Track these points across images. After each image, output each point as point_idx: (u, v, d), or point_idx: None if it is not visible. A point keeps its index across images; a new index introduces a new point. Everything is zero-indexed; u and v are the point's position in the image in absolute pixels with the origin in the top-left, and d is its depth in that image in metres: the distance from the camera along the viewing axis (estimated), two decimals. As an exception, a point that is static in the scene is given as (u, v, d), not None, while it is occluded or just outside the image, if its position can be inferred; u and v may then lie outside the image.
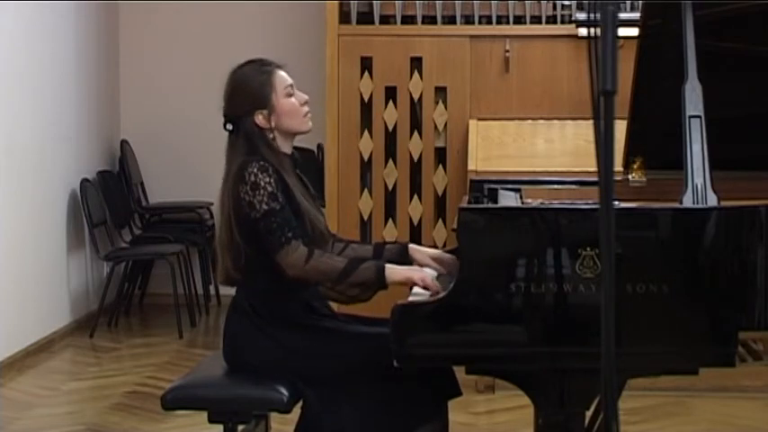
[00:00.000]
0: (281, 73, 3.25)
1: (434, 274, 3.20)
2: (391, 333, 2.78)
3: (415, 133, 5.90)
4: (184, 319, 6.57)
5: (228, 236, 3.13)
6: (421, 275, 3.06)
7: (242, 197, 3.07)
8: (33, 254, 6.04)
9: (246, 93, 3.20)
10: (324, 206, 5.67)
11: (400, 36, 5.91)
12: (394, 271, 3.08)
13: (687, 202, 2.87)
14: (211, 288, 7.27)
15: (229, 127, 3.21)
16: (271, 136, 3.18)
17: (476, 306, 2.76)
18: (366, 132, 5.89)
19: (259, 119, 3.18)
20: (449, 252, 3.45)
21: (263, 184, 3.06)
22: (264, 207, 3.05)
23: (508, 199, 3.58)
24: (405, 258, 3.26)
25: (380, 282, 3.08)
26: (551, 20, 5.86)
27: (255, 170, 3.06)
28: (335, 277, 3.07)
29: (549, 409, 2.86)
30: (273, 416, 3.33)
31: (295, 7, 7.32)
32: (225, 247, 3.15)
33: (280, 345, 3.12)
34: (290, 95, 3.22)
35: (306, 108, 3.24)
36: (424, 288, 3.02)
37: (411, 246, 3.35)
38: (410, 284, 3.08)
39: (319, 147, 6.89)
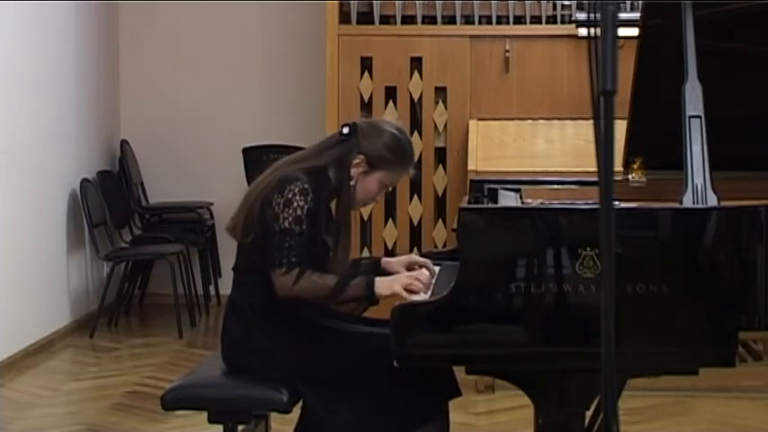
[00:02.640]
0: (405, 174, 3.31)
1: (427, 274, 3.18)
2: (391, 333, 2.78)
3: (415, 133, 5.90)
4: (184, 319, 6.57)
5: (252, 206, 3.13)
6: (406, 283, 3.04)
7: (273, 205, 3.08)
8: (33, 254, 6.04)
9: (380, 145, 3.18)
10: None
11: (400, 36, 5.91)
12: (382, 284, 3.07)
13: (687, 202, 2.87)
14: (211, 288, 7.27)
15: (346, 131, 3.20)
16: (352, 183, 3.18)
17: (476, 306, 2.76)
18: (366, 132, 5.88)
19: (357, 160, 3.18)
20: (448, 252, 3.46)
21: (295, 205, 3.06)
22: (285, 225, 3.06)
23: (508, 199, 3.58)
24: (378, 273, 3.24)
25: (370, 295, 3.08)
26: (551, 20, 5.87)
27: (296, 190, 3.07)
28: (327, 295, 3.07)
29: (549, 409, 2.86)
30: (273, 416, 3.33)
31: (295, 7, 7.32)
32: (247, 206, 3.15)
33: (278, 345, 3.12)
34: (383, 188, 3.25)
35: (370, 202, 3.31)
36: (414, 292, 3.01)
37: (383, 259, 3.37)
38: (399, 296, 3.06)
39: (319, 147, 6.88)
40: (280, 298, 3.08)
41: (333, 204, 3.19)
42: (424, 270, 3.18)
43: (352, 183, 3.18)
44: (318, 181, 3.13)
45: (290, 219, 3.06)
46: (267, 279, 3.11)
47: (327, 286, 3.06)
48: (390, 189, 3.36)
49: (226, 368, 3.23)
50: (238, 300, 3.19)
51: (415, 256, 3.38)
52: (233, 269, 3.25)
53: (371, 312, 3.28)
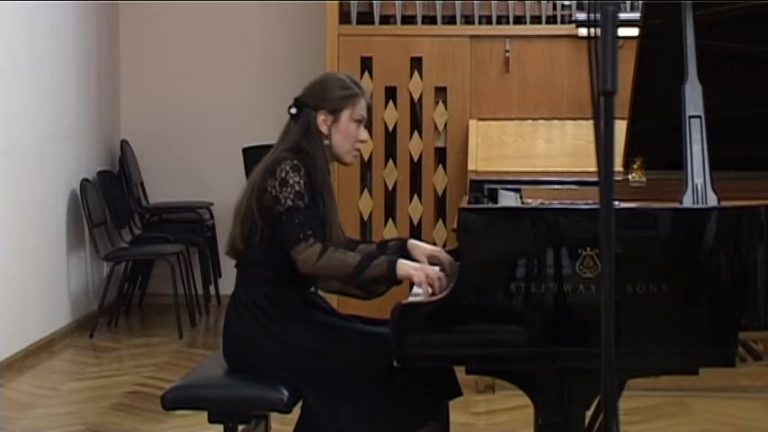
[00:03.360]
0: (364, 102, 3.28)
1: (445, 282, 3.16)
2: (391, 333, 2.78)
3: (415, 133, 5.91)
4: (184, 319, 6.57)
5: (246, 206, 3.16)
6: (424, 277, 3.02)
7: (269, 191, 3.10)
8: (33, 254, 6.04)
9: (327, 92, 3.23)
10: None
11: (400, 36, 5.92)
12: (403, 266, 3.07)
13: (687, 202, 2.87)
14: (211, 288, 7.27)
15: (293, 110, 3.25)
16: (326, 142, 3.21)
17: (476, 306, 2.76)
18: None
19: (320, 119, 3.21)
20: (449, 252, 3.46)
21: (291, 182, 3.09)
22: (289, 203, 3.08)
23: (508, 199, 3.58)
24: (403, 254, 3.24)
25: (392, 276, 3.08)
26: (551, 20, 5.87)
27: (288, 168, 3.10)
28: (350, 272, 3.08)
29: (549, 410, 2.86)
30: (273, 416, 3.33)
31: (295, 7, 7.32)
32: (240, 215, 3.18)
33: (280, 341, 3.12)
34: (358, 123, 3.25)
35: (359, 144, 3.28)
36: (430, 288, 2.99)
37: (410, 241, 3.33)
38: (413, 281, 3.07)
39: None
40: (297, 276, 3.09)
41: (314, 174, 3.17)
42: (443, 277, 3.09)
43: (327, 142, 3.20)
44: (301, 157, 3.15)
45: (292, 196, 3.08)
46: (271, 276, 3.12)
47: (350, 264, 3.07)
48: (365, 123, 3.30)
49: (226, 368, 3.23)
50: (242, 297, 3.19)
51: (441, 253, 3.30)
52: (236, 266, 3.26)
53: (371, 313, 3.28)
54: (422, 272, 3.04)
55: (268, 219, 3.12)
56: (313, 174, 3.15)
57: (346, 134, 3.23)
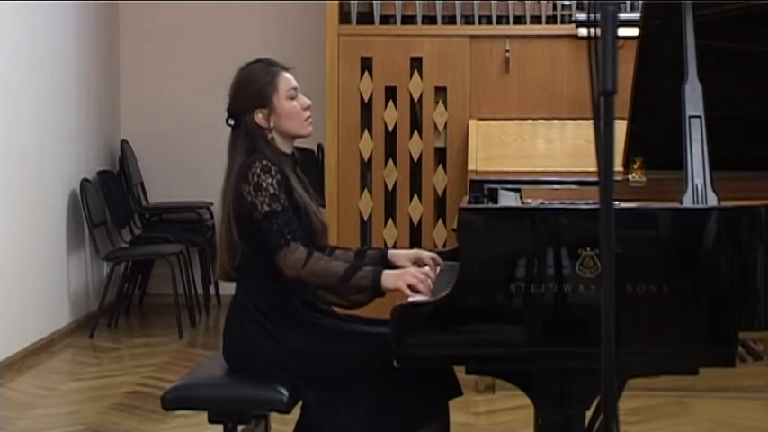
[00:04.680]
0: (287, 75, 3.26)
1: (434, 277, 3.17)
2: (391, 333, 2.78)
3: (415, 133, 5.90)
4: (184, 319, 6.58)
5: (228, 234, 3.16)
6: (411, 281, 3.01)
7: (245, 197, 3.09)
8: (33, 254, 6.04)
9: (249, 90, 3.21)
10: (323, 206, 5.66)
11: (400, 36, 5.91)
12: (388, 277, 3.06)
13: (687, 202, 2.87)
14: (211, 288, 7.27)
15: (231, 122, 3.23)
16: (270, 136, 3.19)
17: (476, 306, 2.76)
18: (366, 132, 5.89)
19: (259, 117, 3.19)
20: (449, 252, 3.46)
21: (265, 185, 3.07)
22: (266, 208, 3.07)
23: (508, 199, 3.58)
24: (385, 265, 3.24)
25: (376, 287, 3.08)
26: (551, 20, 5.86)
27: (258, 170, 3.08)
28: (335, 282, 3.09)
29: (549, 410, 2.86)
30: (273, 416, 3.33)
31: (295, 7, 7.32)
32: (223, 243, 3.19)
33: (279, 343, 3.12)
34: (293, 98, 3.23)
35: (307, 113, 3.25)
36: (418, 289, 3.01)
37: (390, 252, 3.36)
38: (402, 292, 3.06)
39: (319, 147, 6.89)
40: (287, 281, 3.09)
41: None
42: (431, 272, 3.15)
43: (271, 135, 3.17)
44: (266, 157, 3.13)
45: (267, 200, 3.07)
46: (267, 274, 3.12)
47: (336, 274, 3.07)
48: (298, 94, 3.25)
49: (226, 368, 3.23)
50: (242, 298, 3.20)
51: (422, 252, 3.36)
52: (235, 268, 3.26)
53: (371, 313, 3.28)
54: (402, 279, 3.02)
55: (247, 235, 3.10)
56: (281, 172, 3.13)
57: (289, 114, 3.20)
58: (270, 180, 3.08)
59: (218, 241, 3.24)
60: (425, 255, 3.31)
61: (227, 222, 3.16)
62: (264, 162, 3.10)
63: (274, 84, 3.22)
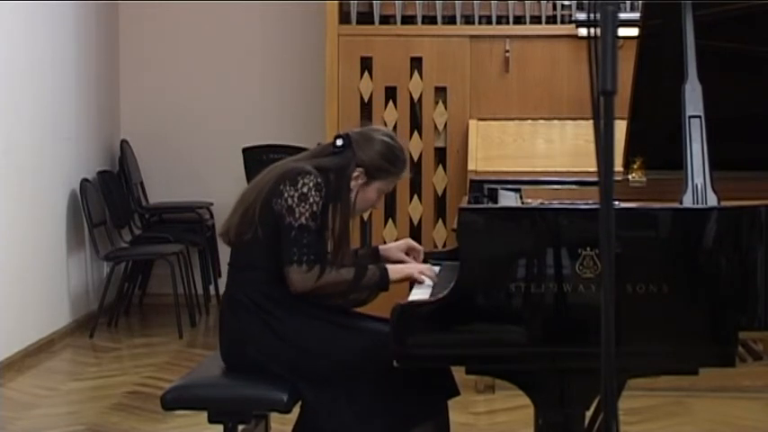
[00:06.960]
0: (399, 179, 3.34)
1: (435, 269, 3.26)
2: (391, 332, 2.78)
3: (415, 133, 5.91)
4: (184, 319, 6.57)
5: (252, 201, 3.13)
6: (418, 268, 3.17)
7: (284, 196, 3.08)
8: (33, 254, 6.03)
9: (375, 155, 3.21)
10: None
11: (400, 36, 5.92)
12: (394, 270, 3.16)
13: (687, 202, 2.87)
14: (211, 288, 7.27)
15: (339, 142, 3.21)
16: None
17: (476, 306, 2.76)
18: (366, 132, 5.89)
19: (356, 173, 3.20)
20: (448, 252, 3.47)
21: (311, 200, 3.08)
22: (303, 221, 3.06)
23: (508, 199, 3.58)
24: (378, 261, 3.31)
25: (384, 283, 3.14)
26: (551, 20, 5.87)
27: (311, 184, 3.08)
28: (347, 288, 3.12)
29: (549, 410, 2.86)
30: (273, 416, 3.33)
31: (295, 7, 7.32)
32: (244, 205, 3.15)
33: (278, 336, 3.11)
34: (381, 195, 3.29)
35: (368, 210, 3.37)
36: (420, 281, 3.11)
37: (381, 247, 3.44)
38: (410, 280, 3.14)
39: (319, 147, 6.89)
40: (294, 293, 3.09)
41: (330, 210, 3.17)
42: (432, 267, 3.26)
43: (352, 194, 3.20)
44: (325, 180, 3.14)
45: (307, 214, 3.07)
46: (267, 275, 3.12)
47: (346, 280, 3.11)
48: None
49: (225, 367, 3.23)
50: (237, 296, 3.18)
51: (410, 240, 3.46)
52: (229, 265, 3.25)
53: (372, 310, 3.28)
54: (408, 268, 3.19)
55: (271, 222, 3.10)
56: (329, 200, 3.13)
57: (368, 200, 3.26)
58: (317, 198, 3.08)
59: (238, 200, 3.20)
60: (415, 244, 3.41)
61: (259, 190, 3.13)
62: (320, 180, 3.10)
63: (391, 176, 3.26)
